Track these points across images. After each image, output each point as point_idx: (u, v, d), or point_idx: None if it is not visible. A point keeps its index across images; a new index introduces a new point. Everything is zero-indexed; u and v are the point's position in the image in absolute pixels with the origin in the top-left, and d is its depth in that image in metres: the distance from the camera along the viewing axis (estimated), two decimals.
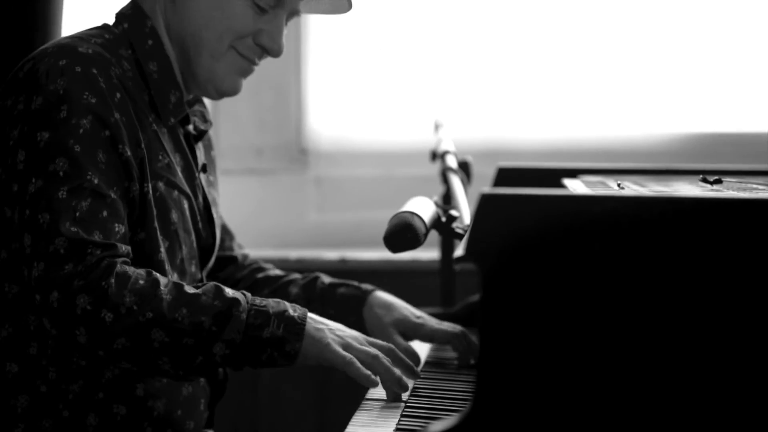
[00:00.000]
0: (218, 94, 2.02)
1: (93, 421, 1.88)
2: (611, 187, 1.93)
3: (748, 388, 1.35)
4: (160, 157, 1.92)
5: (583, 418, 1.36)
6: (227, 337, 1.77)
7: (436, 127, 2.70)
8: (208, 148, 2.19)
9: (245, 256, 2.35)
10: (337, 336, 1.84)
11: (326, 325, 1.85)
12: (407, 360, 1.91)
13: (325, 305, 2.20)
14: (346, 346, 1.83)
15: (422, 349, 2.28)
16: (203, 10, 1.94)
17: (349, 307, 2.19)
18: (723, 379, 1.35)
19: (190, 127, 2.05)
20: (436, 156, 2.55)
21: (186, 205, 1.98)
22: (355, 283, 2.22)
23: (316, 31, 3.40)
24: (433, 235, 2.06)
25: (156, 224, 1.89)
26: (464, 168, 2.51)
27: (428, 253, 2.96)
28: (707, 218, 1.35)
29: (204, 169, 2.09)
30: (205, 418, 2.06)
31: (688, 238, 1.34)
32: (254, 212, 3.40)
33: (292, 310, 1.82)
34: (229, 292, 1.80)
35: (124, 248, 1.80)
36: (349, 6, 2.06)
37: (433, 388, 1.92)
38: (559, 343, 1.36)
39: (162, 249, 1.90)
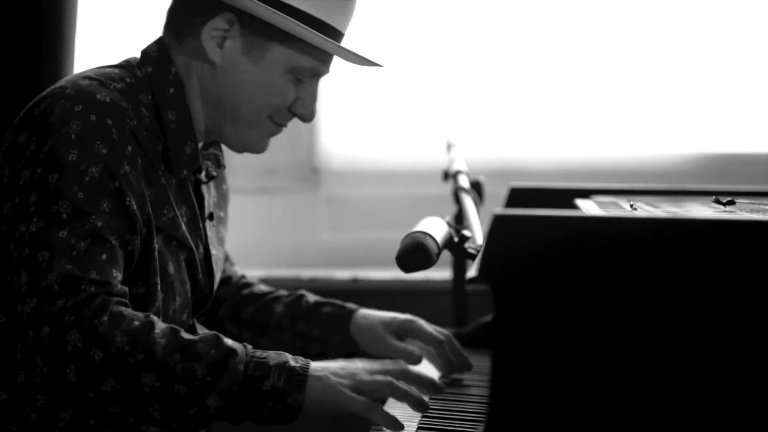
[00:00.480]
0: (244, 152, 2.03)
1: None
2: (624, 208, 1.93)
3: (762, 406, 1.35)
4: (165, 211, 1.91)
5: None
6: (222, 388, 1.72)
7: (449, 146, 2.70)
8: (220, 183, 2.17)
9: (237, 276, 2.34)
10: (344, 377, 1.78)
11: (328, 369, 1.79)
12: (423, 375, 1.87)
13: (310, 324, 2.20)
14: (358, 385, 1.78)
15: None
16: (246, 84, 1.93)
17: (334, 326, 2.19)
18: (737, 397, 1.35)
19: (202, 175, 2.03)
20: (449, 176, 2.55)
21: (184, 257, 1.96)
22: (339, 303, 2.22)
23: None
24: (446, 255, 2.06)
25: (158, 278, 1.87)
26: (476, 188, 2.51)
27: (440, 273, 2.95)
28: (721, 240, 1.35)
29: (211, 217, 2.07)
30: None
31: (701, 259, 1.34)
32: (266, 231, 3.40)
33: (294, 361, 1.78)
34: (227, 342, 1.77)
35: (120, 288, 1.78)
36: (380, 65, 2.04)
37: (445, 409, 1.91)
38: (571, 363, 1.36)
39: (158, 303, 1.88)
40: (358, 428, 1.93)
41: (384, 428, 1.77)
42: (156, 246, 1.86)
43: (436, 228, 1.93)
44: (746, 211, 1.78)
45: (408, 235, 1.86)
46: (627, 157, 3.38)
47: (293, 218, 3.41)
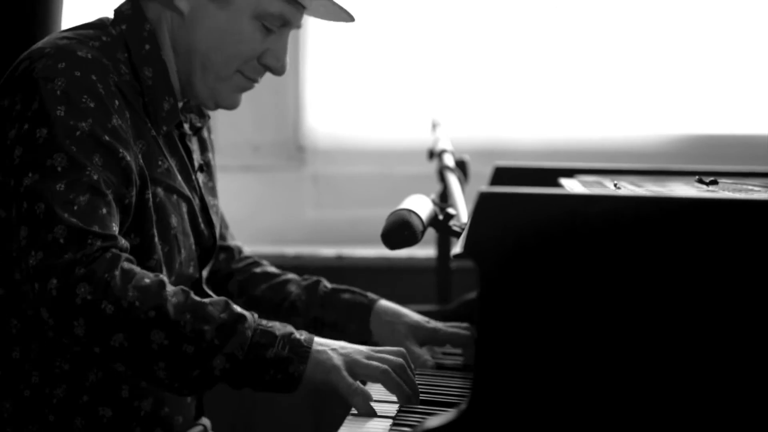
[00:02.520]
0: (216, 107, 2.01)
1: (79, 424, 1.86)
2: (608, 187, 1.94)
3: (742, 385, 1.37)
4: (160, 162, 1.91)
5: (579, 415, 1.37)
6: (229, 351, 1.73)
7: (434, 125, 2.71)
8: (205, 149, 2.16)
9: (240, 249, 2.32)
10: (342, 355, 1.79)
11: (329, 345, 1.80)
12: (413, 381, 1.83)
13: (327, 309, 2.17)
14: (352, 366, 1.78)
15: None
16: (213, 31, 1.92)
17: (353, 314, 2.15)
18: (717, 376, 1.36)
19: (186, 127, 2.03)
20: (434, 154, 2.56)
21: (185, 209, 1.96)
22: (359, 291, 2.18)
23: (315, 29, 3.41)
24: (430, 232, 2.07)
25: (154, 230, 1.87)
26: (461, 167, 2.52)
27: (425, 250, 2.97)
28: (702, 218, 1.36)
29: (201, 168, 2.07)
30: (193, 410, 2.05)
31: (683, 237, 1.35)
32: (251, 209, 3.41)
33: (299, 333, 1.78)
34: (237, 308, 1.77)
35: (125, 243, 1.77)
36: (351, 18, 2.05)
37: (429, 384, 1.93)
38: (555, 340, 1.37)
39: (156, 255, 1.88)
40: (338, 408, 1.93)
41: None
42: (150, 197, 1.85)
43: (422, 206, 1.94)
44: (728, 191, 1.80)
45: (393, 213, 1.87)
46: (611, 138, 3.39)
47: (278, 196, 3.42)
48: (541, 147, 3.37)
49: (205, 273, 2.07)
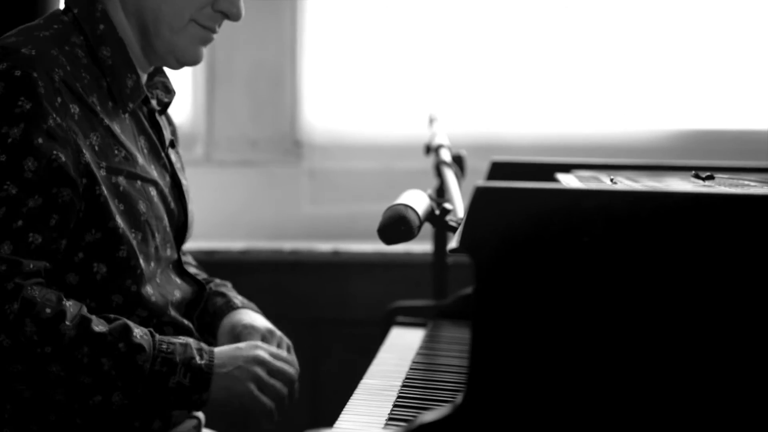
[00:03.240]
0: (179, 65, 1.98)
1: (80, 422, 1.86)
2: (604, 183, 1.94)
3: (737, 380, 1.37)
4: (116, 152, 1.87)
5: (574, 410, 1.38)
6: (126, 387, 1.78)
7: (431, 121, 2.71)
8: (174, 129, 2.14)
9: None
10: (249, 371, 1.86)
11: (234, 363, 1.86)
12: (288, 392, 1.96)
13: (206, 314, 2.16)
14: (260, 385, 1.87)
15: (415, 337, 2.29)
16: None
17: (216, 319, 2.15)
18: (712, 370, 1.36)
19: (154, 103, 2.00)
20: (430, 150, 2.56)
21: (154, 192, 1.93)
22: (232, 297, 2.17)
23: (312, 24, 3.41)
24: (426, 228, 2.07)
25: (117, 221, 1.84)
26: (458, 162, 2.52)
27: (421, 245, 2.97)
28: (698, 213, 1.36)
29: (172, 144, 2.05)
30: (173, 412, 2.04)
31: (679, 232, 1.35)
32: (248, 204, 3.41)
33: (199, 357, 1.82)
34: (136, 336, 1.79)
35: (32, 265, 1.75)
36: None
37: (425, 379, 1.93)
38: (550, 335, 1.37)
39: (124, 245, 1.85)
40: (335, 401, 1.94)
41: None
42: (104, 192, 1.82)
43: (418, 201, 1.94)
44: (725, 186, 1.80)
45: (390, 208, 1.87)
46: (608, 133, 3.39)
47: (275, 191, 3.42)
48: (537, 142, 3.37)
49: (180, 253, 2.05)
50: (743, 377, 1.37)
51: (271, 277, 3.22)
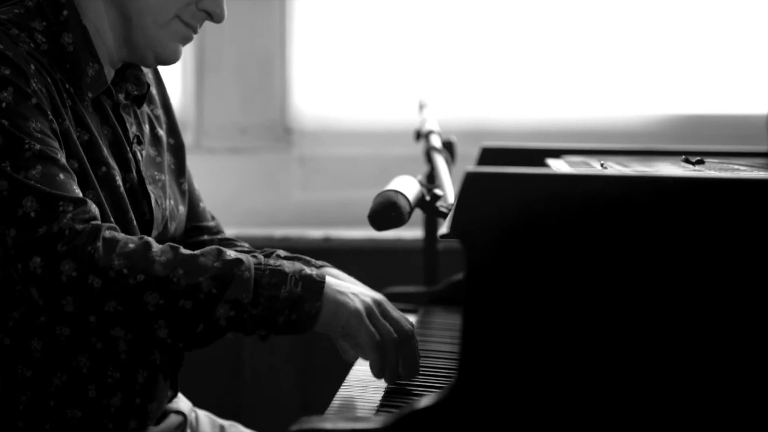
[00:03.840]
0: (157, 62, 1.94)
1: (49, 428, 1.82)
2: (594, 167, 1.94)
3: (730, 366, 1.37)
4: (79, 133, 1.82)
5: (566, 395, 1.38)
6: (231, 297, 1.67)
7: (421, 106, 2.71)
8: (153, 125, 2.06)
9: (219, 230, 2.25)
10: (362, 300, 1.74)
11: (348, 287, 1.75)
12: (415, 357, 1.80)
13: None
14: (371, 317, 1.73)
15: None
16: None
17: None
18: (703, 353, 1.37)
19: (121, 97, 1.95)
20: (421, 136, 2.56)
21: (119, 181, 1.87)
22: (307, 258, 2.07)
23: (302, 10, 3.40)
24: (417, 214, 2.07)
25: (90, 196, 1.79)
26: (448, 148, 2.52)
27: (412, 231, 2.97)
28: (689, 197, 1.36)
29: (139, 141, 1.97)
30: (168, 391, 2.00)
31: (670, 216, 1.36)
32: (238, 191, 3.41)
33: (309, 269, 1.73)
34: (231, 253, 1.71)
35: (95, 207, 1.72)
36: None
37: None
38: (542, 320, 1.37)
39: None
40: (326, 389, 1.93)
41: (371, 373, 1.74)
42: (76, 166, 1.78)
43: (408, 187, 1.94)
44: (715, 170, 1.80)
45: (380, 194, 1.87)
46: (598, 118, 3.39)
47: (266, 178, 3.42)
48: (528, 128, 3.37)
49: None
50: (736, 360, 1.37)
51: None
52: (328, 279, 1.74)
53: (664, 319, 1.36)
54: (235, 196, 3.39)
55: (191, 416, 2.11)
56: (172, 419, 2.03)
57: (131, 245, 1.69)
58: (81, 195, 1.72)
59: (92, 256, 1.66)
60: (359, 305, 1.73)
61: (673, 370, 1.37)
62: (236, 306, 1.68)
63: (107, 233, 1.69)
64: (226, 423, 2.19)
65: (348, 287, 1.76)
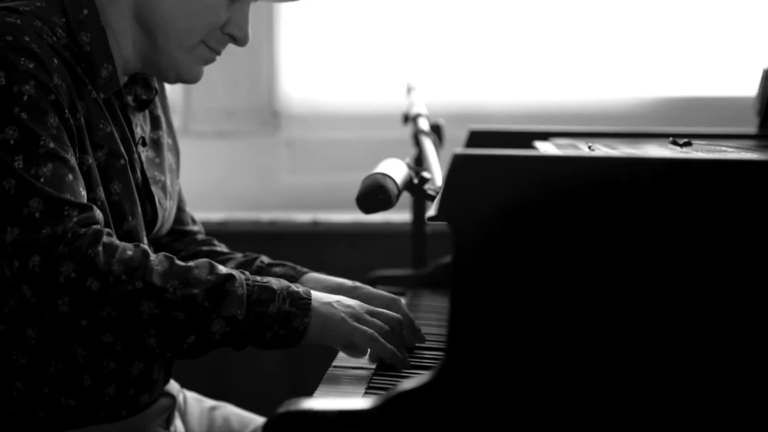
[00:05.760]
0: (177, 81, 1.97)
1: (42, 415, 1.83)
2: (582, 150, 1.94)
3: (722, 344, 1.37)
4: (101, 125, 1.85)
5: (553, 378, 1.38)
6: (226, 314, 1.71)
7: (408, 90, 2.71)
8: (157, 127, 2.09)
9: (196, 232, 2.27)
10: (347, 307, 1.79)
11: (331, 298, 1.80)
12: (416, 333, 1.90)
13: None
14: (358, 320, 1.79)
15: None
16: (180, 0, 1.88)
17: None
18: (696, 338, 1.37)
19: (129, 99, 1.96)
20: (408, 119, 2.56)
21: (131, 175, 1.90)
22: (292, 264, 2.13)
23: None
24: (405, 197, 2.06)
25: (97, 194, 1.81)
26: (436, 131, 2.52)
27: (400, 215, 2.97)
28: (676, 179, 1.36)
29: (144, 142, 2.00)
30: (162, 381, 2.02)
31: (657, 198, 1.36)
32: (226, 175, 3.40)
33: (295, 286, 1.78)
34: (222, 268, 1.75)
35: (99, 213, 1.74)
36: None
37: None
38: (529, 302, 1.38)
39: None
40: (314, 372, 1.93)
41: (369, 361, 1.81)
42: (91, 162, 1.80)
43: (396, 169, 1.94)
44: (702, 152, 1.80)
45: (368, 177, 1.87)
46: (585, 101, 3.39)
47: (253, 161, 3.41)
48: (515, 111, 3.37)
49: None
50: (728, 341, 1.37)
51: (249, 248, 3.17)
52: (314, 294, 1.79)
53: (654, 301, 1.37)
54: (222, 179, 3.38)
55: (179, 398, 2.12)
56: (161, 402, 2.04)
57: (129, 252, 1.71)
58: (85, 199, 1.74)
59: (93, 260, 1.68)
60: (344, 313, 1.78)
61: (661, 351, 1.37)
62: (231, 322, 1.72)
63: (107, 238, 1.71)
64: (214, 403, 2.20)
65: (331, 298, 1.81)
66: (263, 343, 1.75)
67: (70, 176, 1.72)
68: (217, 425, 2.15)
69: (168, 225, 2.10)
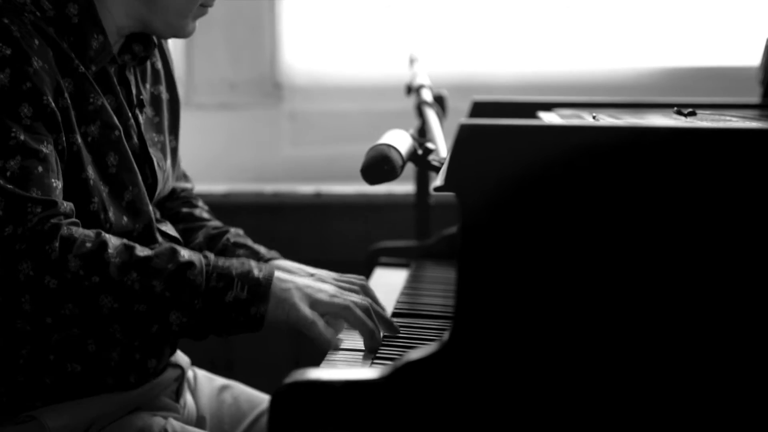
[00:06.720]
0: (171, 36, 1.96)
1: (49, 381, 1.84)
2: (586, 120, 1.94)
3: (724, 321, 1.37)
4: (92, 99, 1.83)
5: (560, 349, 1.38)
6: (183, 304, 1.70)
7: (411, 61, 2.70)
8: (157, 81, 2.07)
9: (191, 194, 2.27)
10: (306, 293, 1.77)
11: (294, 282, 1.77)
12: (383, 313, 1.85)
13: None
14: (314, 303, 1.77)
15: (399, 278, 2.30)
16: None
17: None
18: (699, 306, 1.37)
19: (127, 58, 1.94)
20: (411, 90, 2.55)
21: (127, 145, 1.88)
22: (257, 248, 2.11)
23: None
24: (408, 169, 2.06)
25: (88, 173, 1.80)
26: (439, 102, 2.51)
27: (403, 186, 2.97)
28: (681, 147, 1.36)
29: (141, 104, 1.98)
30: (168, 351, 2.02)
31: (662, 167, 1.36)
32: (228, 147, 3.40)
33: (257, 270, 1.75)
34: (184, 254, 1.73)
35: (66, 205, 1.73)
36: None
37: (409, 316, 1.93)
38: (535, 272, 1.38)
39: (96, 197, 1.82)
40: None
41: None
42: (79, 140, 1.79)
43: (401, 140, 1.94)
44: (707, 122, 1.80)
45: (372, 148, 1.87)
46: (590, 71, 3.38)
47: (256, 133, 3.41)
48: (518, 81, 3.36)
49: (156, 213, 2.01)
50: (731, 313, 1.37)
51: (252, 220, 3.21)
52: (276, 277, 1.76)
53: (659, 270, 1.37)
54: (225, 151, 3.38)
55: (189, 373, 2.12)
56: (170, 372, 2.04)
57: (88, 245, 1.70)
58: (57, 189, 1.73)
59: (49, 256, 1.67)
60: (297, 300, 1.75)
61: (667, 322, 1.38)
62: (188, 312, 1.71)
63: (65, 231, 1.70)
64: (224, 382, 2.20)
65: (295, 281, 1.78)
66: (222, 330, 1.74)
67: (40, 168, 1.71)
68: (227, 404, 2.16)
69: (170, 184, 2.09)
